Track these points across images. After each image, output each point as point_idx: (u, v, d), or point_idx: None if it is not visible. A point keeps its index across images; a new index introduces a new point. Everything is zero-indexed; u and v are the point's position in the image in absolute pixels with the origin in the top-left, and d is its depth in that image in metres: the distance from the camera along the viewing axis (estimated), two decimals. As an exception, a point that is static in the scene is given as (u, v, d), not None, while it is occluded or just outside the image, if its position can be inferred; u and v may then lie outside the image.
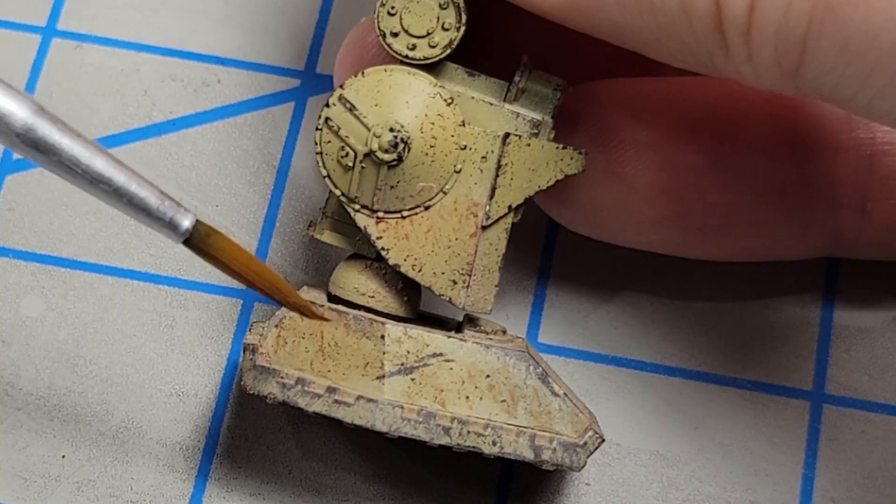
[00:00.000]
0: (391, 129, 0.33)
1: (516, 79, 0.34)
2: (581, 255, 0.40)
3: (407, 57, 0.34)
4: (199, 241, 0.32)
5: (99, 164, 0.31)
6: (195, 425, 0.38)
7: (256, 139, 0.41)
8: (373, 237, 0.35)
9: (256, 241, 0.40)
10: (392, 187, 0.34)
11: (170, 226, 0.32)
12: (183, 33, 0.42)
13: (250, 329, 0.36)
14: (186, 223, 0.32)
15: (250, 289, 0.33)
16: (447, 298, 0.35)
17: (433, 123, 0.34)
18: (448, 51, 0.34)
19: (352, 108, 0.34)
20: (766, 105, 0.36)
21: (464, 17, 0.34)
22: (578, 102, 0.36)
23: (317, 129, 0.34)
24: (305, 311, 0.34)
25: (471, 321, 0.36)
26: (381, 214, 0.34)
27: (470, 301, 0.35)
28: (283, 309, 0.35)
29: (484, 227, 0.35)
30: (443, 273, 0.35)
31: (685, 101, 0.37)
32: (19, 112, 0.30)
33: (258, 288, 0.33)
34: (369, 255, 0.35)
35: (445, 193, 0.34)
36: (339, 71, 0.37)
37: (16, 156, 0.41)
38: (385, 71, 0.34)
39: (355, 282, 0.35)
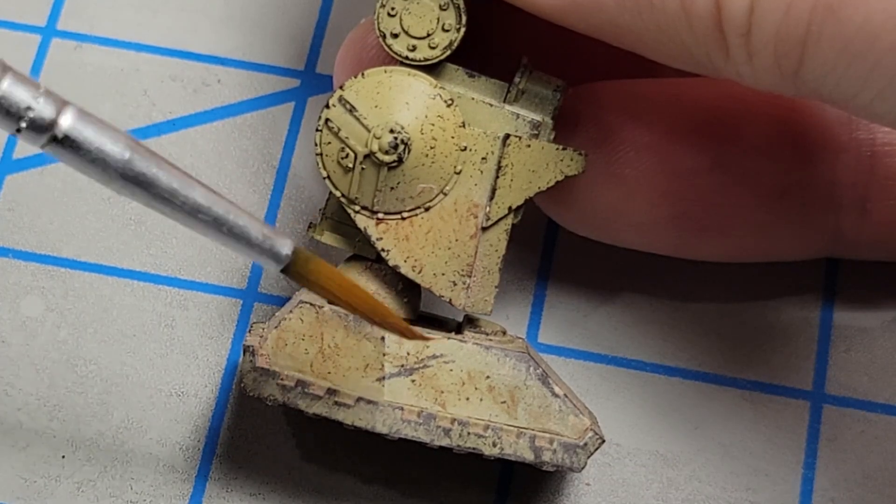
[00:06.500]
0: (391, 131, 0.33)
1: (516, 80, 0.34)
2: (581, 255, 0.40)
3: (407, 58, 0.34)
4: (299, 267, 0.32)
5: (198, 194, 0.30)
6: (195, 425, 0.38)
7: (256, 139, 0.41)
8: (373, 238, 0.34)
9: (256, 241, 0.40)
10: (392, 188, 0.34)
11: (270, 253, 0.31)
12: (183, 33, 0.42)
13: (250, 330, 0.36)
14: (286, 251, 0.31)
15: (350, 312, 0.33)
16: (447, 299, 0.35)
17: (433, 125, 0.34)
18: (448, 52, 0.34)
19: (352, 110, 0.34)
20: (766, 106, 0.36)
21: (464, 19, 0.34)
22: (578, 103, 0.36)
23: (317, 130, 0.34)
24: (407, 333, 0.33)
25: (471, 322, 0.36)
26: (381, 216, 0.34)
27: (470, 302, 0.35)
28: (283, 310, 0.35)
29: (484, 229, 0.35)
30: (443, 274, 0.35)
31: (685, 103, 0.36)
32: (116, 148, 0.29)
33: (358, 311, 0.32)
34: (369, 257, 0.35)
35: (445, 195, 0.34)
36: (338, 72, 0.37)
37: (16, 156, 0.41)
38: (385, 72, 0.34)
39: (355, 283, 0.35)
